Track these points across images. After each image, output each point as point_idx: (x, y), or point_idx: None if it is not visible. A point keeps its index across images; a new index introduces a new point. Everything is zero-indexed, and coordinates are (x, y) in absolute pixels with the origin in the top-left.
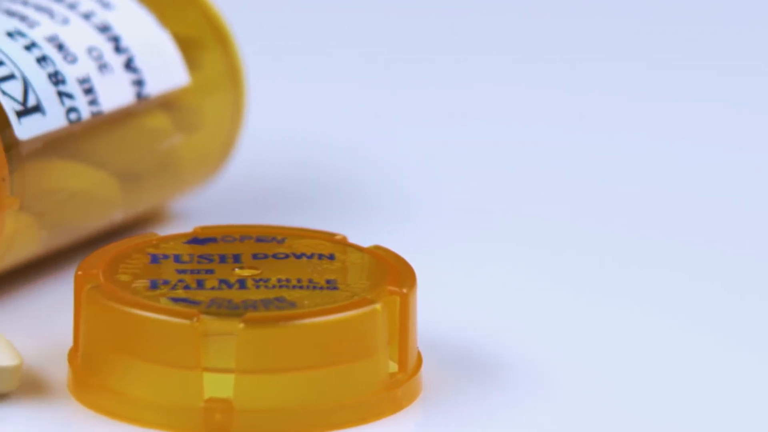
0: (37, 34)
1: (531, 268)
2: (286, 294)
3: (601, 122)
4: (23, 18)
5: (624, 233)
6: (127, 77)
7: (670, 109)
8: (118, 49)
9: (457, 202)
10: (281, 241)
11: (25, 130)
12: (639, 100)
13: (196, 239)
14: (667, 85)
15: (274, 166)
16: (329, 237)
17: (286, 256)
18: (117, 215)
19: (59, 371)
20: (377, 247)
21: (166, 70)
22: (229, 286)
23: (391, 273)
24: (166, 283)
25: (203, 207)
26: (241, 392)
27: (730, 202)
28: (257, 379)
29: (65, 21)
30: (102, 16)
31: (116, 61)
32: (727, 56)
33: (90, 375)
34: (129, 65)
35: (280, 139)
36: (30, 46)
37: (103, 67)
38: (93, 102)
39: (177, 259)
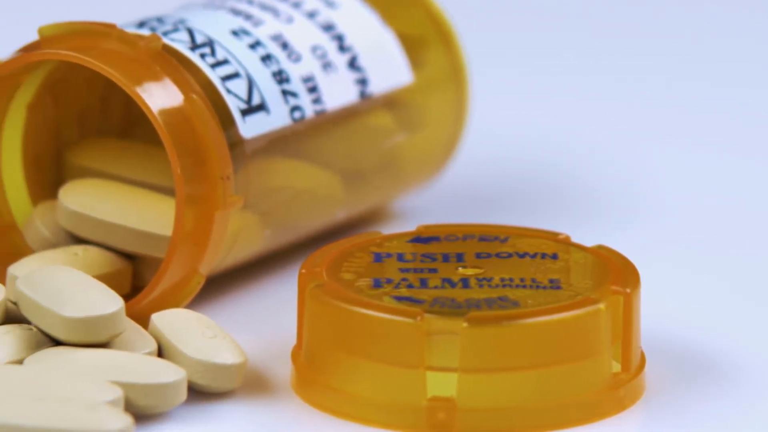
0: (261, 33)
1: (758, 272)
2: (510, 293)
3: None
4: (248, 17)
5: None
6: (351, 76)
7: None
8: (341, 47)
9: (684, 205)
10: (504, 240)
11: (250, 128)
12: None
13: (419, 238)
14: None
15: (497, 164)
16: (552, 236)
17: (510, 256)
18: (340, 214)
19: (282, 369)
20: (601, 247)
21: (389, 68)
22: (453, 285)
23: (614, 273)
24: (389, 281)
25: (426, 205)
26: (464, 391)
27: None
28: (480, 378)
29: (289, 20)
30: (326, 14)
31: (340, 60)
32: None
33: (313, 373)
34: (352, 64)
35: (503, 137)
36: (254, 45)
37: (326, 65)
38: (317, 101)
39: (400, 257)
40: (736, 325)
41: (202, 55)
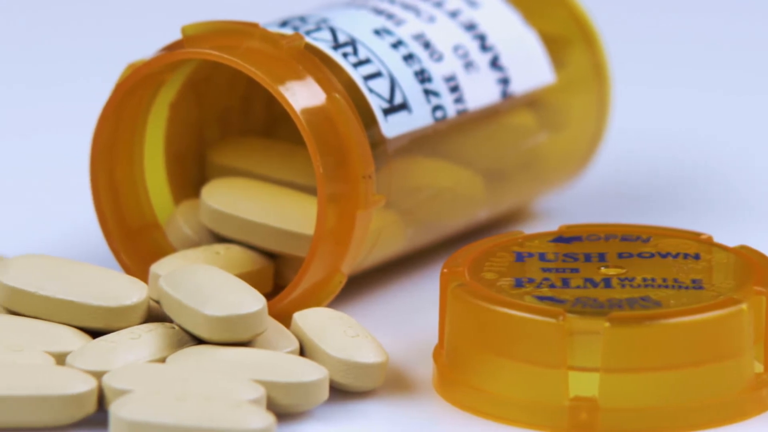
0: (403, 32)
1: None
2: (652, 293)
3: None
4: (390, 16)
5: None
6: (493, 75)
7: None
8: (483, 47)
9: None
10: (646, 240)
11: (392, 127)
12: None
13: (561, 238)
14: None
15: (639, 163)
16: (695, 236)
17: (652, 256)
18: (481, 213)
19: (424, 368)
20: (743, 247)
21: (531, 68)
22: (594, 285)
23: (757, 273)
24: (531, 281)
25: (568, 205)
26: (606, 391)
27: None
28: (622, 378)
29: (431, 19)
30: (468, 14)
31: (482, 60)
32: None
33: (455, 372)
34: (494, 63)
35: (645, 135)
36: (397, 44)
37: (468, 65)
38: (458, 100)
39: (542, 257)
40: None
41: (345, 54)
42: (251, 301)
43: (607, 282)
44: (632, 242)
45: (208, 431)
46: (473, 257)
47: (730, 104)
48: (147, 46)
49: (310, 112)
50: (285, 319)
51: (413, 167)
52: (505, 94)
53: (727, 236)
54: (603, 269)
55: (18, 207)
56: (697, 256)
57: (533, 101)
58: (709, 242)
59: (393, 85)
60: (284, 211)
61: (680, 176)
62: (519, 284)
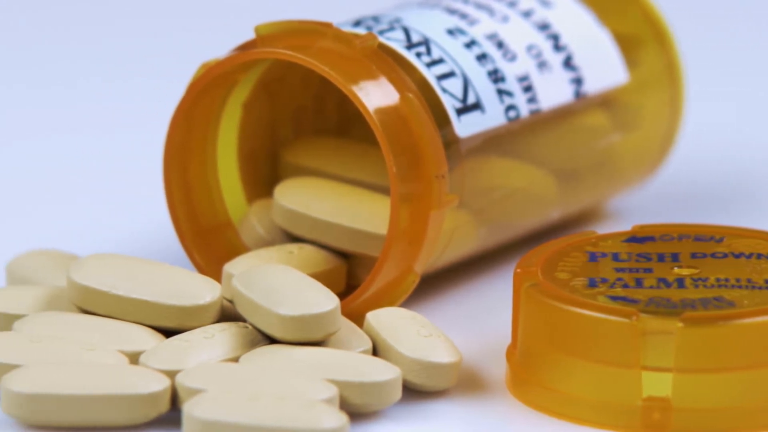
0: (477, 32)
1: None
2: (725, 293)
3: None
4: (463, 16)
5: None
6: (566, 75)
7: None
8: (557, 47)
9: None
10: (720, 241)
11: (465, 127)
12: None
13: (634, 238)
14: None
15: (712, 163)
16: None
17: (725, 256)
18: (554, 213)
19: (497, 368)
20: None
21: (605, 68)
22: (668, 285)
23: None
24: (604, 281)
25: (641, 205)
26: (679, 391)
27: None
28: (696, 378)
29: (505, 19)
30: (541, 14)
31: (555, 60)
32: None
33: (528, 372)
34: (568, 63)
35: (719, 135)
36: (470, 44)
37: (541, 65)
38: (531, 100)
39: (615, 257)
40: None
41: (418, 54)
42: (324, 300)
43: (680, 282)
44: (705, 242)
45: (280, 431)
46: (546, 257)
47: None
48: (220, 46)
49: (384, 112)
50: (358, 318)
51: (486, 167)
52: (578, 94)
53: None
54: (676, 269)
55: (91, 206)
56: None
57: (606, 101)
58: None
59: (466, 84)
60: (357, 211)
61: (753, 176)
62: (592, 284)
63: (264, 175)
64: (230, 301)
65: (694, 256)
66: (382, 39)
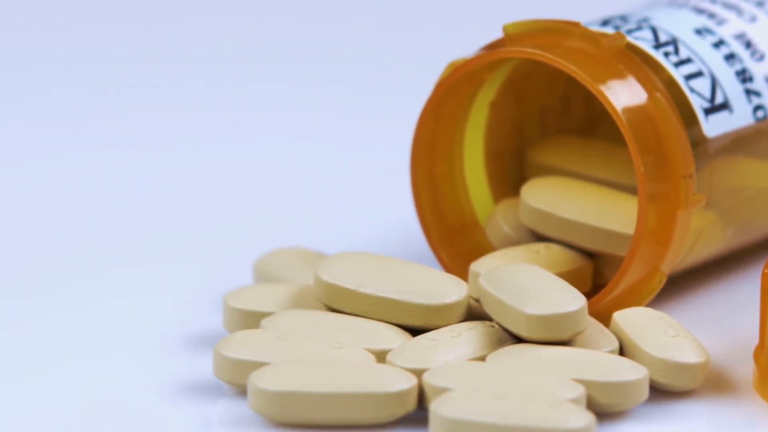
0: (724, 32)
1: None
2: None
3: None
4: (711, 15)
5: None
6: None
7: None
8: None
9: None
10: None
11: (713, 127)
12: None
13: None
14: None
15: None
16: None
17: None
18: None
19: (744, 369)
20: None
21: None
22: None
23: None
24: None
25: None
26: None
27: None
28: None
29: (753, 18)
30: None
31: None
32: None
33: None
34: None
35: None
36: (718, 44)
37: None
38: None
39: None
40: None
41: (666, 54)
42: (572, 300)
43: None
44: None
45: (528, 430)
46: None
47: None
48: (468, 45)
49: (631, 112)
50: (604, 318)
51: (734, 167)
52: None
53: None
54: None
55: (338, 205)
56: None
57: None
58: None
59: (714, 84)
60: (604, 211)
61: None
62: None
63: (510, 174)
64: (477, 300)
65: None
66: (630, 38)
